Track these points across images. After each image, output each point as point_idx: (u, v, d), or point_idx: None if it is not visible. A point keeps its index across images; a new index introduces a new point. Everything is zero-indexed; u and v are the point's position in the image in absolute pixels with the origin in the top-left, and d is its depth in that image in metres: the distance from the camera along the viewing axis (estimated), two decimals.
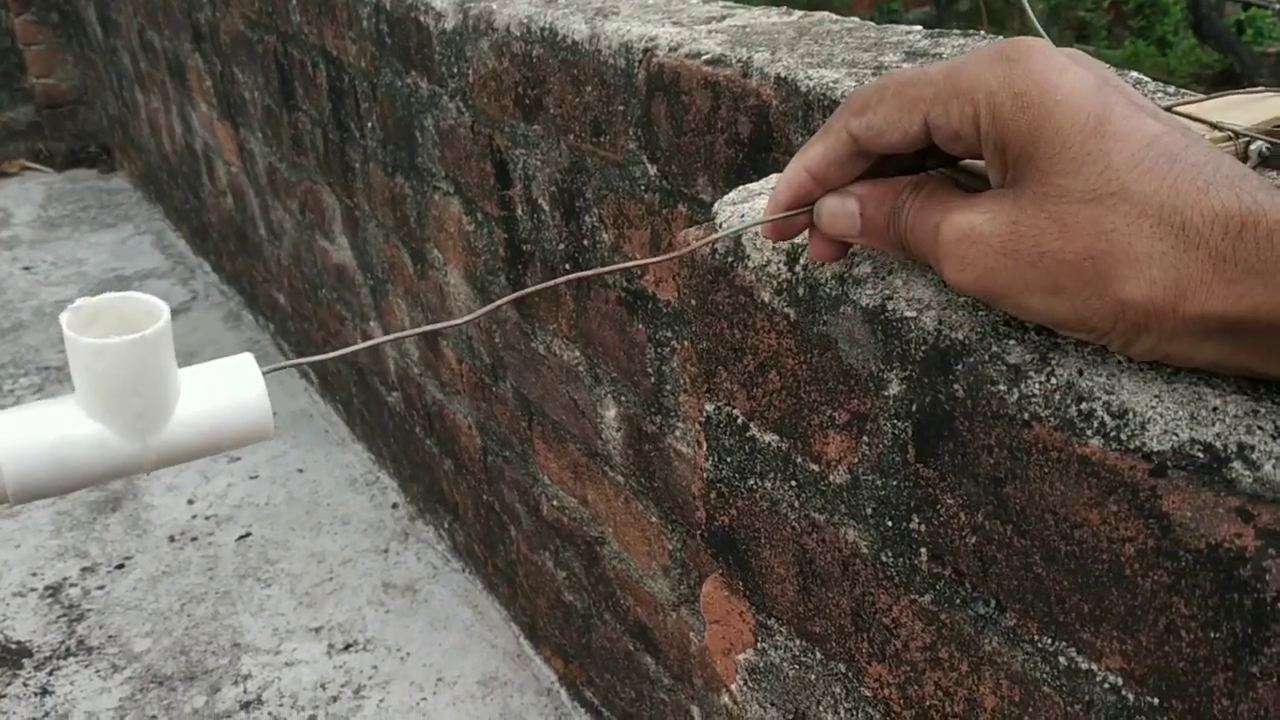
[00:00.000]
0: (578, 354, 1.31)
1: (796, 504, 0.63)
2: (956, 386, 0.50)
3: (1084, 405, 0.45)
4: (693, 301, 0.67)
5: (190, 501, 2.23)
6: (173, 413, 0.42)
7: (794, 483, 0.63)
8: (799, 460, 0.61)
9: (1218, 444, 0.41)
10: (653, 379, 1.17)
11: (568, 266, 1.27)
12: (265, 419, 0.45)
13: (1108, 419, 0.44)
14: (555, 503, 1.51)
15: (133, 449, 0.42)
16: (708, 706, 1.29)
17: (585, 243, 1.21)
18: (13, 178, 4.23)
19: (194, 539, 2.12)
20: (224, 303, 3.07)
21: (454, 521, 1.95)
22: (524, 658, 1.77)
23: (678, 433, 1.16)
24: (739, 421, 0.66)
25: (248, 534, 2.12)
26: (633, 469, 1.28)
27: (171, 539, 2.12)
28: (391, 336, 0.50)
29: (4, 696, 1.76)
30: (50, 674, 1.81)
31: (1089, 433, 0.44)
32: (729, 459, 0.68)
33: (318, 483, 2.27)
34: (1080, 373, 0.45)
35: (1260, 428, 0.41)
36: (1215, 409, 0.42)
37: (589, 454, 1.37)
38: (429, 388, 1.85)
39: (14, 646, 1.87)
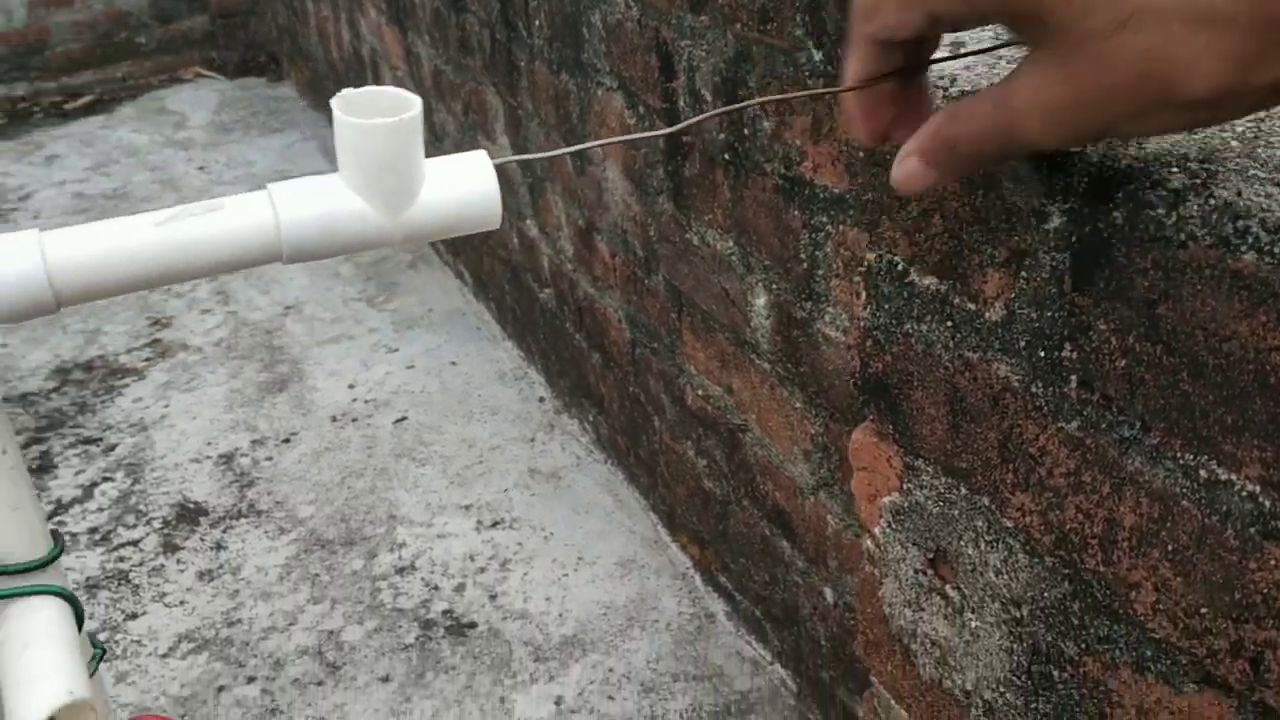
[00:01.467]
0: (731, 243, 1.36)
1: (951, 344, 0.67)
2: (1116, 214, 0.53)
3: (1240, 223, 0.48)
4: (860, 154, 0.71)
5: (351, 386, 2.36)
6: (419, 194, 0.47)
7: (949, 323, 0.67)
8: (956, 300, 0.65)
9: None
10: (805, 264, 1.21)
11: (726, 157, 1.31)
12: (495, 208, 0.50)
13: (1263, 234, 0.47)
14: (700, 392, 1.57)
15: (385, 223, 0.47)
16: (841, 588, 1.34)
17: (745, 131, 1.25)
18: (188, 83, 4.44)
19: (354, 420, 2.25)
20: None
21: (598, 414, 2.03)
22: (660, 544, 1.85)
23: (827, 317, 1.20)
24: (899, 267, 0.70)
25: (404, 418, 2.24)
26: (779, 355, 1.33)
27: (333, 419, 2.25)
28: (603, 142, 0.55)
29: (183, 548, 1.92)
30: (224, 531, 1.96)
31: (1243, 248, 0.48)
32: (887, 305, 0.72)
33: (469, 375, 2.37)
34: (1239, 194, 0.48)
35: None
36: None
37: (737, 342, 1.42)
38: (581, 283, 1.92)
39: (192, 505, 2.03)
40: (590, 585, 1.78)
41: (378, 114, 0.45)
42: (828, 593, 1.38)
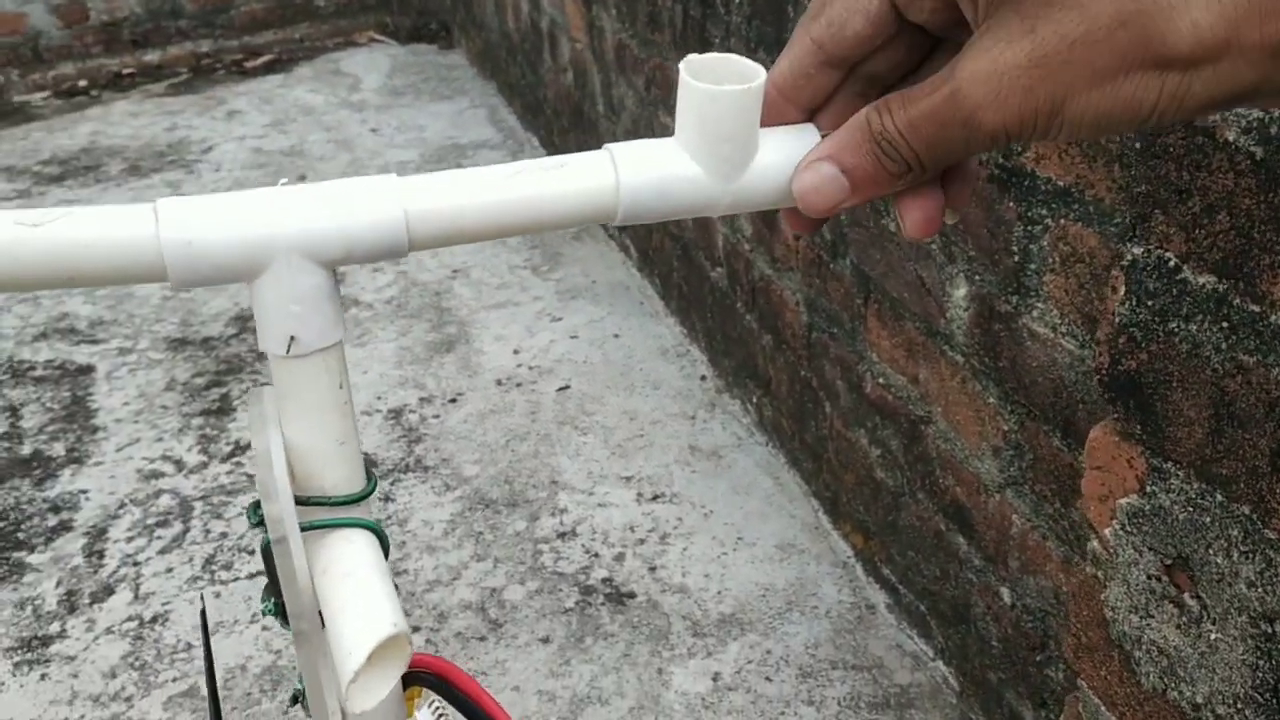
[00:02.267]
0: None
1: (1224, 346, 0.65)
2: None
3: None
4: (1136, 144, 0.69)
5: (516, 352, 2.40)
6: (750, 163, 0.47)
7: (1225, 324, 0.65)
8: (1237, 301, 0.63)
9: None
10: (1016, 258, 1.19)
11: None
12: None
13: None
14: (881, 380, 1.56)
15: (716, 190, 0.47)
16: (1020, 589, 1.32)
17: None
18: (362, 47, 4.56)
19: (518, 384, 2.29)
20: None
21: (763, 396, 2.02)
22: (821, 530, 1.84)
23: (1035, 312, 1.18)
24: (1170, 264, 0.68)
25: (567, 386, 2.27)
26: (976, 348, 1.30)
27: (499, 382, 2.30)
28: None
29: None
30: (392, 484, 2.02)
31: None
32: (1150, 302, 0.70)
33: (631, 349, 2.39)
34: None
35: None
36: None
37: (928, 332, 1.40)
38: (758, 263, 1.91)
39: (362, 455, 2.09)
40: (749, 566, 1.78)
41: (721, 80, 0.45)
42: (1004, 593, 1.36)
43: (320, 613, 0.47)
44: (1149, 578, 0.77)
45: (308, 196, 0.43)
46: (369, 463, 0.63)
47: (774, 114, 0.46)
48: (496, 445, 2.10)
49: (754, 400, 2.08)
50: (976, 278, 1.27)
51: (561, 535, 1.87)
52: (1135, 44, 0.34)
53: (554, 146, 3.24)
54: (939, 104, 0.39)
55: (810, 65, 0.45)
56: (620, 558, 1.81)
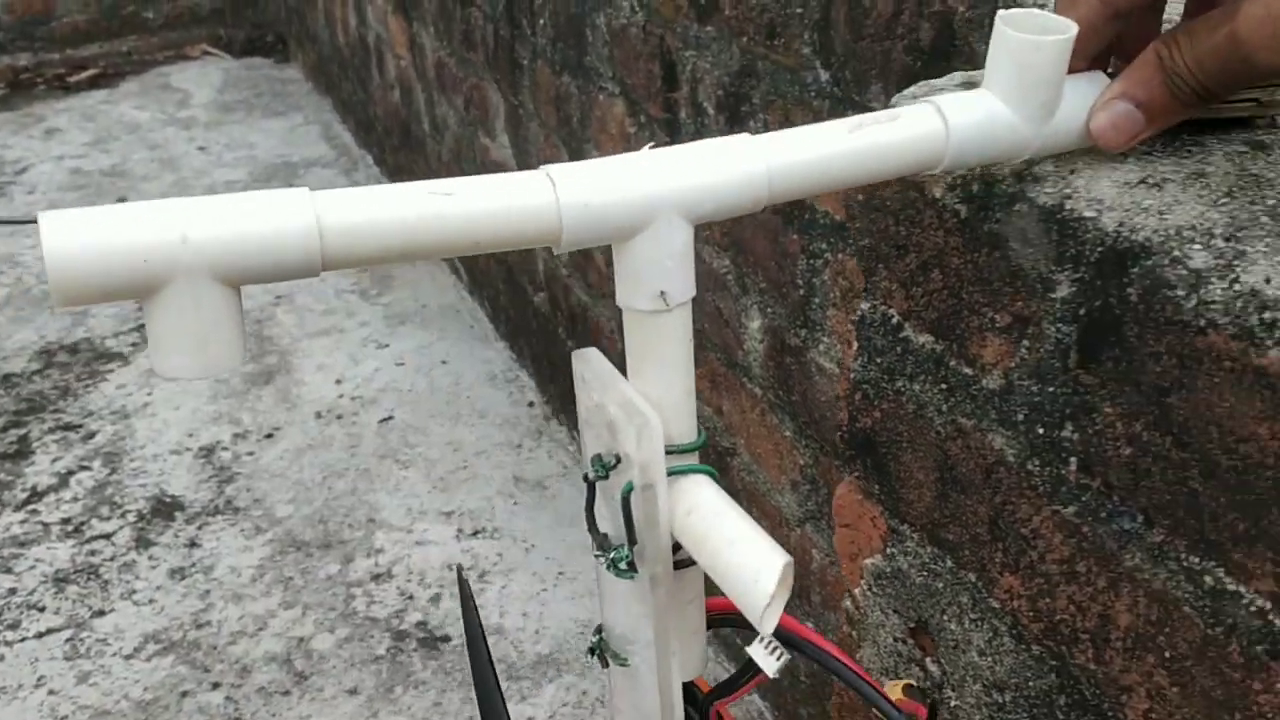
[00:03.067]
0: (727, 262, 1.31)
1: (944, 408, 0.62)
2: (1131, 290, 0.48)
3: (1267, 314, 0.43)
4: (859, 197, 0.66)
5: (338, 382, 2.32)
6: (1056, 111, 0.50)
7: (944, 386, 0.62)
8: (952, 363, 0.61)
9: None
10: (802, 290, 1.16)
11: None
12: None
13: None
14: None
15: (1029, 135, 0.50)
16: (823, 624, 1.30)
17: None
18: (194, 61, 4.39)
19: (339, 417, 2.20)
20: None
21: None
22: None
23: (821, 347, 1.16)
24: (894, 321, 0.65)
25: (390, 417, 2.19)
26: (772, 381, 1.28)
27: (319, 415, 2.21)
28: None
29: (156, 544, 1.87)
30: (199, 529, 1.91)
31: (1270, 343, 0.43)
32: (879, 360, 0.67)
33: (459, 375, 2.33)
34: (1268, 280, 0.43)
35: None
36: None
37: (729, 364, 1.37)
38: (575, 289, 1.87)
39: (168, 499, 1.98)
40: (569, 602, 1.74)
41: (1037, 32, 0.48)
42: (809, 627, 1.34)
43: (674, 557, 0.51)
44: (895, 640, 0.74)
45: (681, 157, 0.46)
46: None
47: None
48: (312, 483, 2.02)
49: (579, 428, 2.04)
50: (768, 310, 1.25)
51: (376, 577, 1.79)
52: None
53: (386, 165, 3.15)
54: (1220, 43, 0.44)
55: (1099, 20, 0.49)
56: (436, 599, 1.75)
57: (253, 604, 1.75)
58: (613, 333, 1.75)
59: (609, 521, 0.53)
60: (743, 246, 1.26)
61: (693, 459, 0.51)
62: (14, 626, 1.72)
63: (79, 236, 0.37)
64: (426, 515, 1.93)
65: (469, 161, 2.29)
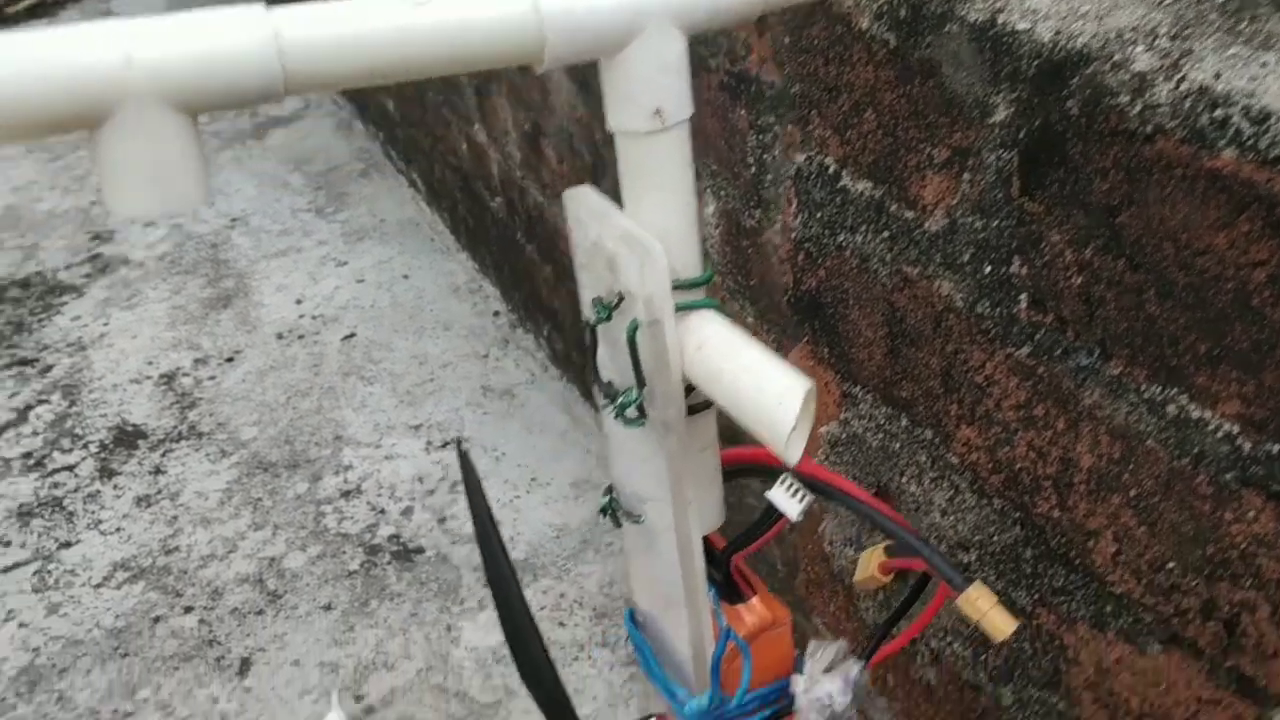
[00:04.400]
0: None
1: (888, 257, 0.59)
2: (1071, 103, 0.44)
3: (1218, 112, 0.39)
4: (786, 39, 0.61)
5: (298, 301, 2.27)
6: None
7: (886, 234, 0.58)
8: (893, 208, 0.57)
9: None
10: (753, 169, 1.12)
11: None
12: None
13: (1245, 126, 0.38)
14: None
15: None
16: None
17: None
18: None
19: (300, 337, 2.16)
20: (336, 112, 3.07)
21: (553, 329, 1.94)
22: None
23: (777, 226, 1.12)
24: (830, 170, 0.61)
25: (352, 334, 2.15)
26: (730, 267, 1.24)
27: (279, 336, 2.16)
28: None
29: (120, 473, 1.84)
30: (163, 455, 1.88)
31: (1222, 142, 0.39)
32: (819, 214, 0.63)
33: (422, 289, 2.28)
34: (1217, 76, 0.39)
35: None
36: None
37: None
38: (530, 190, 1.82)
39: (130, 428, 1.94)
40: (543, 507, 1.72)
41: None
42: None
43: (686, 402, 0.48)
44: None
45: None
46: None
47: None
48: (276, 404, 1.98)
49: (545, 334, 2.00)
50: (722, 193, 1.20)
51: (345, 494, 1.77)
52: None
53: None
54: None
55: None
56: (408, 512, 1.72)
57: (221, 527, 1.72)
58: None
59: (613, 369, 0.50)
60: (694, 128, 1.21)
61: (699, 295, 0.48)
62: None
63: (11, 62, 0.34)
64: (394, 430, 1.90)
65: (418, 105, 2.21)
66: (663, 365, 0.47)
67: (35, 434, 1.94)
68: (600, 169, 1.50)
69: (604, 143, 1.46)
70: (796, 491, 0.51)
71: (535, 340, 2.06)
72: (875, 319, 0.61)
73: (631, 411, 0.49)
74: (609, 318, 0.48)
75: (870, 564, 0.59)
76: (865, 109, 0.56)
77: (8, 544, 1.72)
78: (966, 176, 0.51)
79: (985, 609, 0.47)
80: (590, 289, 0.49)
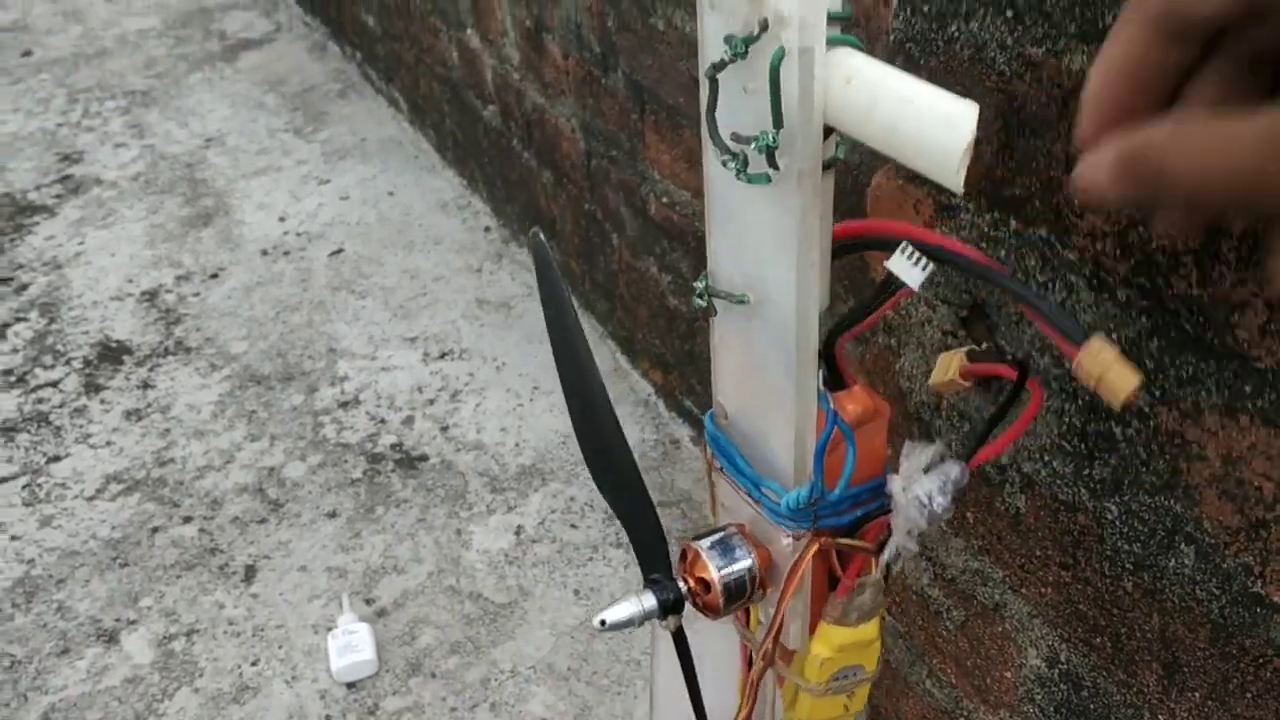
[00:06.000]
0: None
1: (1009, 42, 0.56)
2: None
3: None
4: None
5: (281, 219, 2.21)
6: None
7: (1010, 12, 0.55)
8: None
9: None
10: None
11: None
12: None
13: None
14: (665, 199, 1.45)
15: None
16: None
17: None
18: None
19: (286, 253, 2.10)
20: (308, 34, 2.99)
21: (550, 238, 1.90)
22: (621, 371, 1.75)
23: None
24: None
25: (340, 250, 2.10)
26: None
27: (264, 252, 2.11)
28: None
29: (107, 388, 1.79)
30: (151, 370, 1.83)
31: None
32: (926, 7, 0.60)
33: (409, 205, 2.23)
34: None
35: None
36: None
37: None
38: (529, 93, 1.77)
39: (114, 344, 1.89)
40: (548, 414, 1.68)
41: None
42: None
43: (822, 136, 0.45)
44: (944, 334, 0.69)
45: None
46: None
47: (1110, 112, 0.37)
48: (265, 318, 1.93)
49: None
50: None
51: (344, 404, 1.73)
52: None
53: (309, 2, 2.98)
54: (1227, 166, 0.32)
55: (1148, 46, 0.36)
56: (409, 421, 1.69)
57: (216, 439, 1.67)
58: (573, 131, 1.66)
59: (736, 123, 0.47)
60: None
61: (836, 30, 0.44)
62: None
63: None
64: (389, 342, 1.85)
65: (403, 16, 2.15)
66: (807, 102, 0.44)
67: (15, 351, 1.88)
68: (611, 60, 1.46)
69: (616, 29, 1.41)
70: (917, 259, 0.48)
71: (530, 257, 2.02)
72: (989, 111, 0.59)
73: (761, 162, 0.46)
74: (745, 53, 0.44)
75: (951, 366, 0.57)
76: None
77: None
78: None
79: (1109, 361, 0.43)
80: (719, 29, 0.45)
